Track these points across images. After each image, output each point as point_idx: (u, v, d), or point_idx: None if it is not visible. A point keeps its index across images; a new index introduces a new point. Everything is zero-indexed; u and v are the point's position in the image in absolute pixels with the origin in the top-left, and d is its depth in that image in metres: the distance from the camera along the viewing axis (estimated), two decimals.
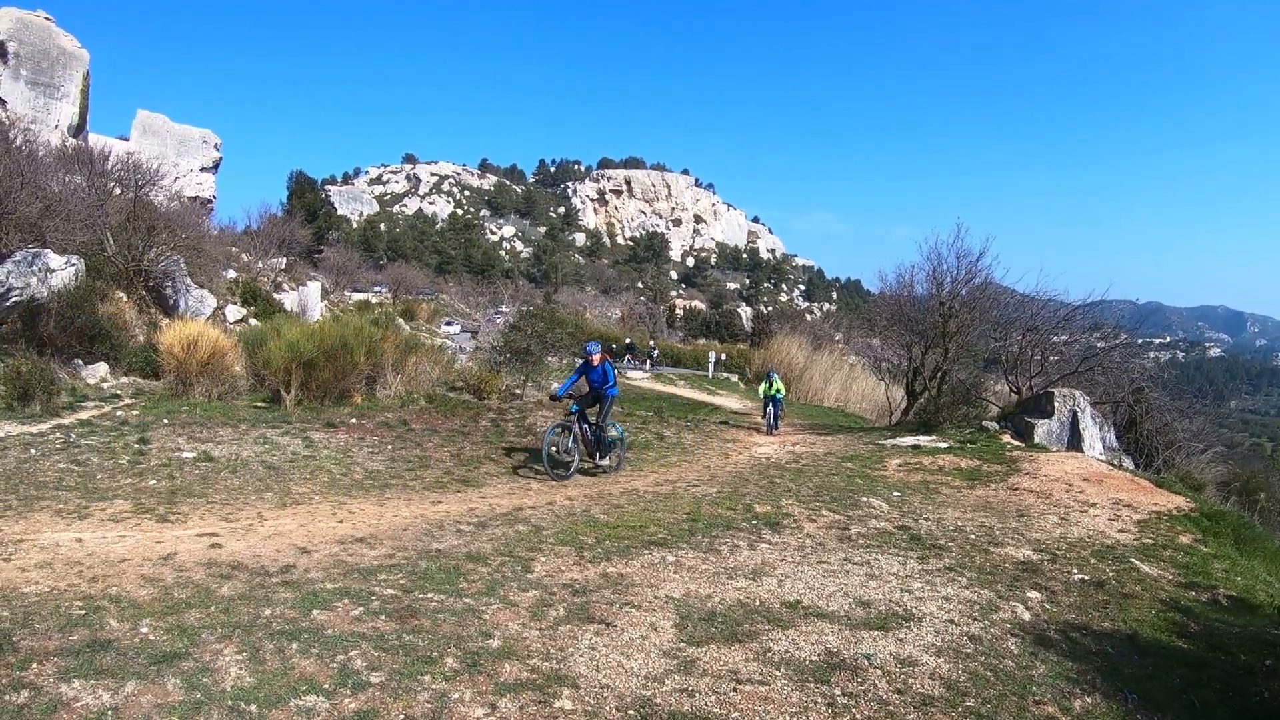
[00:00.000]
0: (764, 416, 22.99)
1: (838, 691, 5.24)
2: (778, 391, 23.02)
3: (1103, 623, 7.11)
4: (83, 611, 5.63)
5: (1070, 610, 7.37)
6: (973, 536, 9.84)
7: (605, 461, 13.99)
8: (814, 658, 5.74)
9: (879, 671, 5.57)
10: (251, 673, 4.86)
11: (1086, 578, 8.41)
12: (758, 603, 6.85)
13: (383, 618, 5.87)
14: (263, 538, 8.16)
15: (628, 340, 49.66)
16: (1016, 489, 13.02)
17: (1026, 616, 7.03)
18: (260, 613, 5.81)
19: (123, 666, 4.82)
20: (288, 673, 4.90)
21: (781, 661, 5.64)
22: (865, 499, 11.73)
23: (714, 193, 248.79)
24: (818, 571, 7.96)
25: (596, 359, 14.07)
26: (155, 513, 8.95)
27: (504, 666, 5.23)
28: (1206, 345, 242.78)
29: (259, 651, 5.14)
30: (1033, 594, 7.70)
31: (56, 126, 47.20)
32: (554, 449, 13.36)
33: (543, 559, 7.84)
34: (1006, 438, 17.80)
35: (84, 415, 13.63)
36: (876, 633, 6.29)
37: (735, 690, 5.15)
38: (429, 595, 6.46)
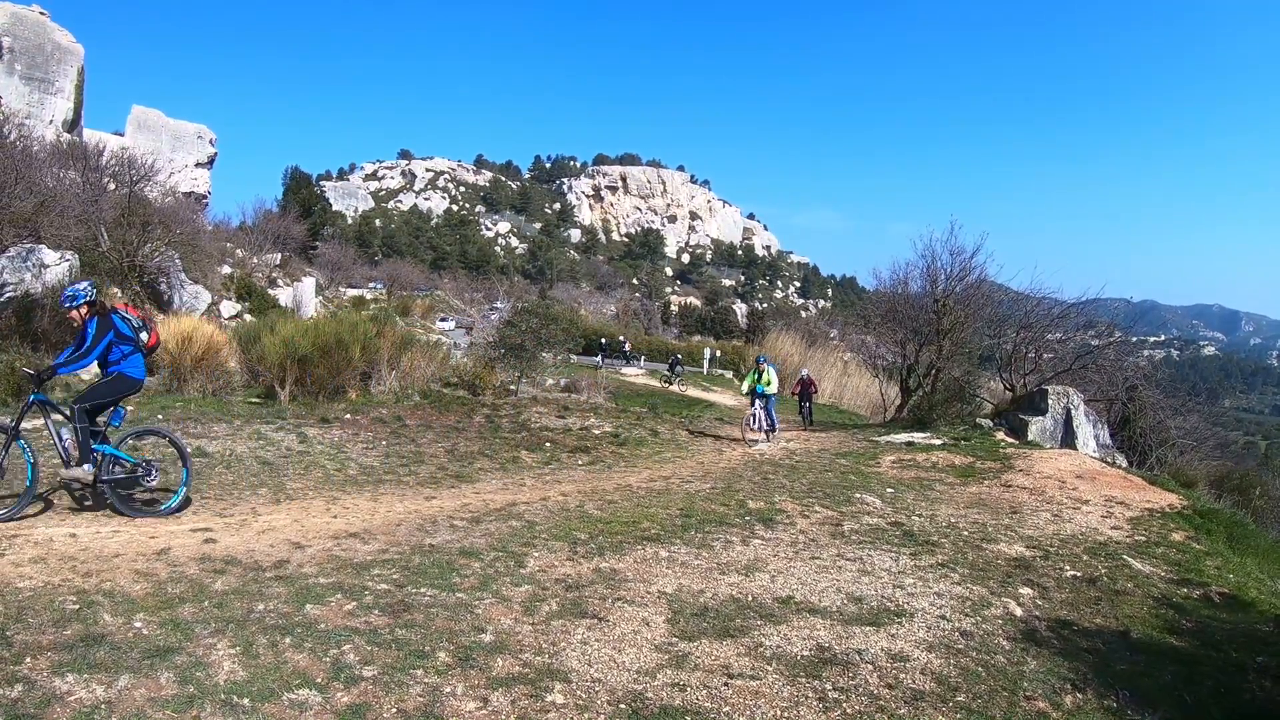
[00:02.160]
0: (750, 420, 18.63)
1: (829, 686, 5.27)
2: (768, 384, 18.68)
3: (1095, 619, 7.15)
4: (76, 606, 5.63)
5: (1062, 607, 7.41)
6: (966, 533, 9.88)
7: (80, 470, 8.44)
8: (806, 653, 5.77)
9: (870, 666, 5.60)
10: (245, 667, 4.88)
11: (1079, 574, 8.46)
12: (750, 598, 6.88)
13: (376, 612, 5.89)
14: (257, 533, 8.16)
15: (603, 339, 48.91)
16: (1010, 486, 13.07)
17: (1019, 612, 7.07)
18: (254, 607, 5.82)
19: (116, 661, 4.83)
20: (281, 667, 4.91)
21: (773, 656, 5.67)
22: (859, 495, 11.76)
23: (709, 189, 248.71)
24: (810, 567, 7.99)
25: (77, 313, 8.53)
26: None
27: (497, 661, 5.24)
28: (1201, 344, 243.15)
29: (252, 646, 5.15)
30: (1025, 590, 7.74)
31: (51, 122, 47.08)
32: None
33: (536, 554, 7.85)
34: (1001, 435, 17.87)
35: None
36: (868, 628, 6.32)
37: (726, 685, 5.18)
38: (422, 590, 6.47)
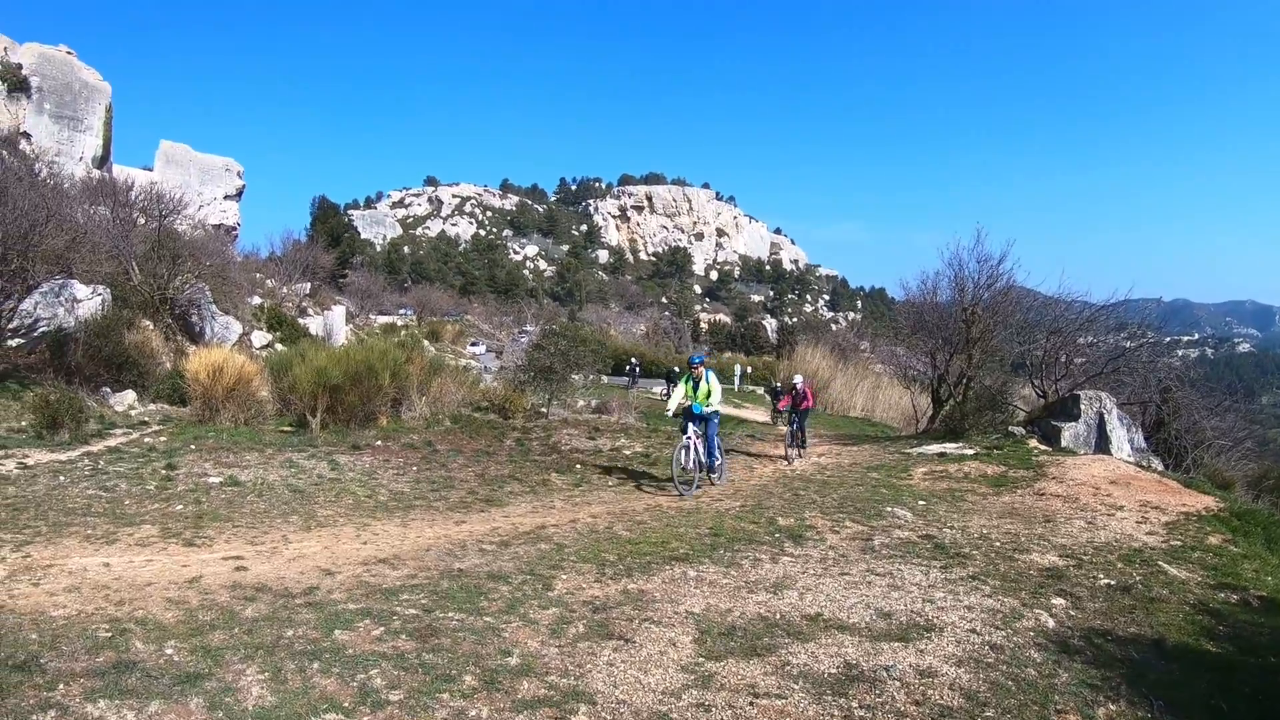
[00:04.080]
0: (684, 453, 13.61)
1: (855, 704, 5.22)
2: (707, 399, 13.92)
3: (1129, 628, 7.03)
4: (109, 634, 5.73)
5: (1096, 616, 7.30)
6: (998, 544, 9.76)
7: None
8: (833, 670, 5.72)
9: (898, 683, 5.54)
10: (273, 692, 4.92)
11: (1113, 582, 8.33)
12: (778, 616, 6.84)
13: (403, 637, 5.92)
14: (287, 560, 8.24)
15: (632, 360, 48.29)
16: (1043, 494, 12.91)
17: (1050, 624, 6.97)
18: (283, 633, 5.87)
19: (147, 687, 4.90)
20: (309, 692, 4.95)
21: (800, 675, 5.63)
22: (889, 509, 11.66)
23: (735, 205, 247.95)
24: (839, 583, 7.93)
25: None
26: (182, 537, 9.06)
27: (522, 684, 5.25)
28: (1235, 341, 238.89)
29: (281, 671, 5.20)
30: (1057, 601, 7.64)
31: (80, 158, 47.88)
32: None
33: (564, 577, 7.86)
34: (1033, 442, 17.67)
35: (112, 442, 13.80)
36: (897, 644, 6.26)
37: (752, 704, 5.15)
38: (450, 614, 6.50)
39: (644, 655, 5.83)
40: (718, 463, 14.37)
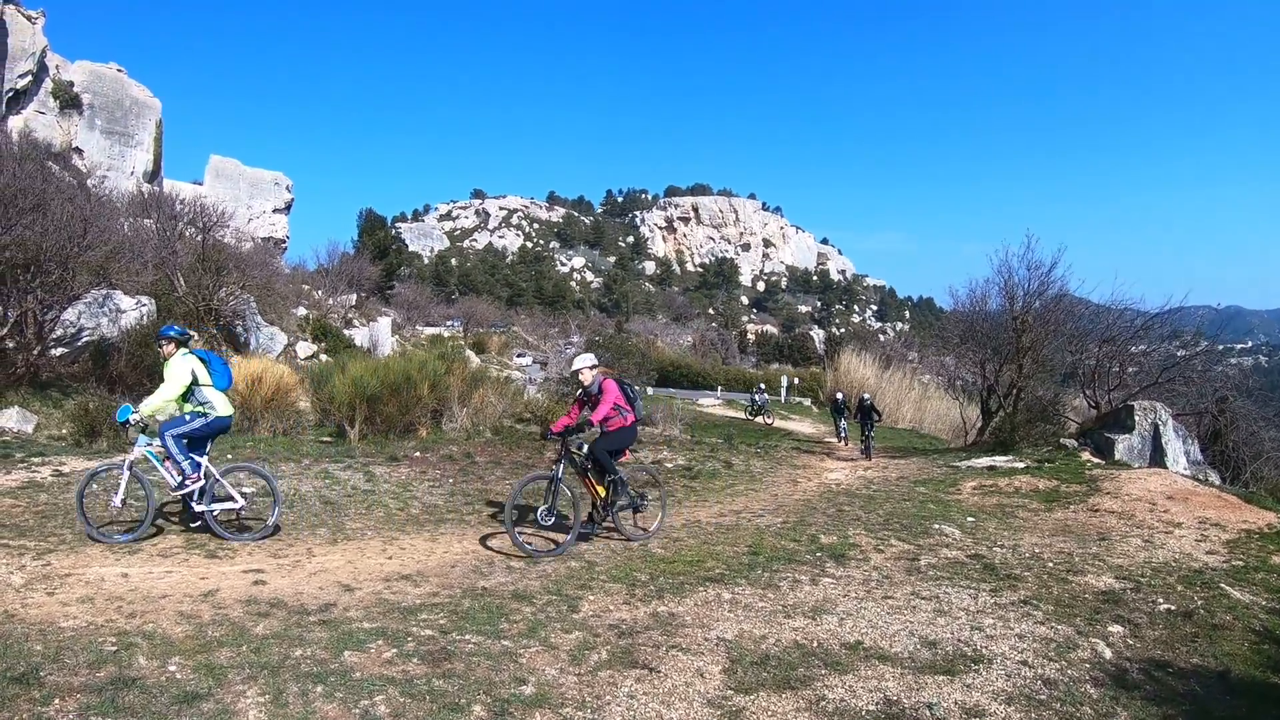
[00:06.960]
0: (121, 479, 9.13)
1: None
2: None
3: (1191, 658, 6.59)
4: (114, 648, 5.57)
5: (1155, 645, 6.86)
6: (1050, 564, 9.32)
7: None
8: (871, 707, 5.34)
9: None
10: (271, 716, 4.70)
11: (1173, 608, 7.86)
12: (815, 644, 6.46)
13: (415, 660, 5.65)
14: (308, 574, 8.01)
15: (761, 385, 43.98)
16: (1097, 510, 12.42)
17: (1108, 654, 6.53)
18: (291, 653, 5.65)
19: (145, 705, 4.73)
20: (309, 717, 4.72)
21: (835, 711, 5.26)
22: (937, 526, 11.25)
23: (781, 216, 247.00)
24: (882, 608, 7.54)
25: None
26: (205, 548, 8.86)
27: (534, 715, 4.94)
28: None
29: (282, 694, 4.97)
30: (1115, 628, 7.19)
31: (131, 173, 48.91)
32: None
33: (591, 597, 7.55)
34: (1086, 455, 17.11)
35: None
36: (941, 677, 5.86)
37: None
38: (467, 636, 6.21)
39: (668, 686, 5.49)
40: (203, 507, 9.18)
